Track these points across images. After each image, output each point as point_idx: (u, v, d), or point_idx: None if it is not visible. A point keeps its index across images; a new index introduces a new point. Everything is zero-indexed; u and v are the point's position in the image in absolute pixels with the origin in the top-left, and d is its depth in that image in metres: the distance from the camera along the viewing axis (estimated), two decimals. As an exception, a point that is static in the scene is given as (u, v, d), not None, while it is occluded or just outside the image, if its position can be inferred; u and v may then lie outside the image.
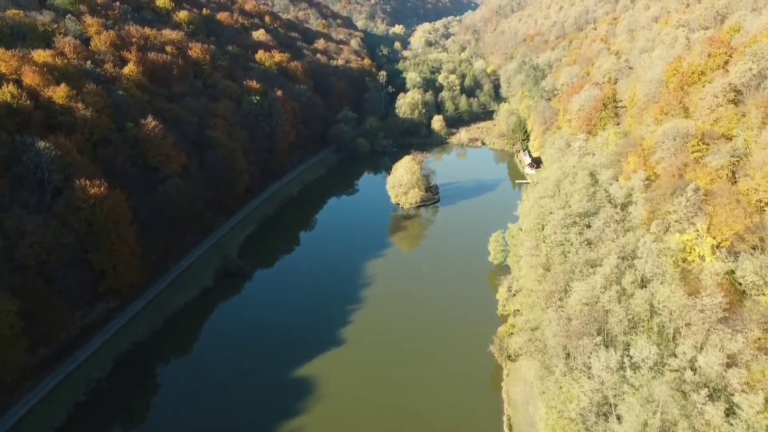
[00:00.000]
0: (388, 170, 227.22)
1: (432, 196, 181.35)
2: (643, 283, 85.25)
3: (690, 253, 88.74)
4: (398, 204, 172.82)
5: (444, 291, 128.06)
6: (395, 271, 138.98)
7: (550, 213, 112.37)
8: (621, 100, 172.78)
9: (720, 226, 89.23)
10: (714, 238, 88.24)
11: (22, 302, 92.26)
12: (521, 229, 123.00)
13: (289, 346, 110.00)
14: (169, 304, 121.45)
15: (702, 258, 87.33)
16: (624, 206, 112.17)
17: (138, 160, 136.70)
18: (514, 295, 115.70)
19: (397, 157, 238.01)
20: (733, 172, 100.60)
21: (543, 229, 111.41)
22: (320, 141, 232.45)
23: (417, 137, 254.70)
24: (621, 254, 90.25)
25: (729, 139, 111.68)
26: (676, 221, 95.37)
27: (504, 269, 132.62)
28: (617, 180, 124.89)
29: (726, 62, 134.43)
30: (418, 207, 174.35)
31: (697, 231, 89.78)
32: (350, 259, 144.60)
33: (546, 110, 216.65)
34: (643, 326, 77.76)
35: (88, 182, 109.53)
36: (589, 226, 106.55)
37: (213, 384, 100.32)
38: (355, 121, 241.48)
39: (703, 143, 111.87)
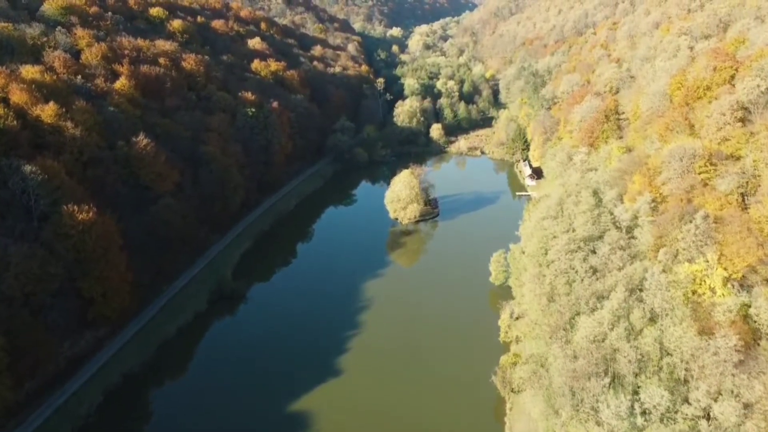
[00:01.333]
0: (387, 180, 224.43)
1: (431, 210, 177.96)
2: (652, 318, 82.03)
3: (700, 285, 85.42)
4: (397, 219, 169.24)
5: (444, 313, 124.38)
6: (394, 291, 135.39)
7: (554, 237, 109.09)
8: (623, 113, 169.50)
9: (731, 256, 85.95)
10: (725, 269, 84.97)
11: (8, 336, 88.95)
12: (523, 252, 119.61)
13: (283, 373, 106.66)
14: (161, 331, 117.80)
15: (713, 291, 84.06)
16: (629, 229, 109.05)
17: (129, 180, 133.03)
18: (517, 319, 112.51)
19: (395, 167, 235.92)
20: (743, 197, 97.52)
21: (546, 253, 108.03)
22: (317, 151, 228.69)
23: (415, 146, 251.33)
24: (628, 286, 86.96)
25: (737, 159, 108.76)
26: (684, 249, 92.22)
27: (506, 290, 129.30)
28: (622, 200, 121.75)
29: (732, 77, 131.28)
30: (417, 222, 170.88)
31: (707, 261, 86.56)
32: (348, 277, 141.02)
33: (546, 119, 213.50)
34: (653, 368, 74.40)
35: (76, 207, 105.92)
36: (594, 252, 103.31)
37: (207, 413, 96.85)
38: (352, 130, 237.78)
39: (711, 164, 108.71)
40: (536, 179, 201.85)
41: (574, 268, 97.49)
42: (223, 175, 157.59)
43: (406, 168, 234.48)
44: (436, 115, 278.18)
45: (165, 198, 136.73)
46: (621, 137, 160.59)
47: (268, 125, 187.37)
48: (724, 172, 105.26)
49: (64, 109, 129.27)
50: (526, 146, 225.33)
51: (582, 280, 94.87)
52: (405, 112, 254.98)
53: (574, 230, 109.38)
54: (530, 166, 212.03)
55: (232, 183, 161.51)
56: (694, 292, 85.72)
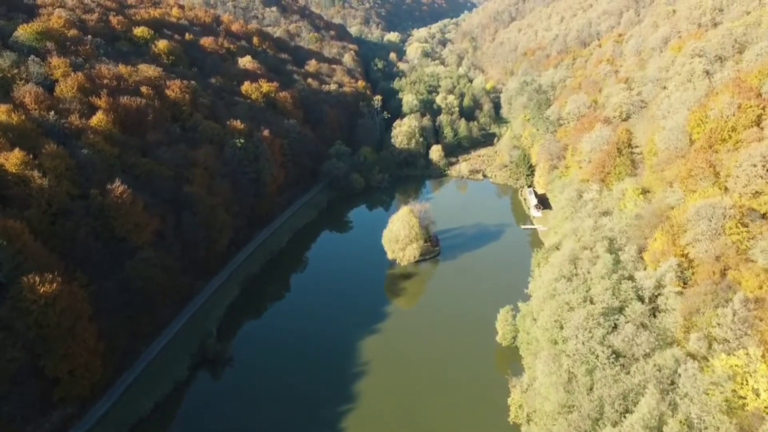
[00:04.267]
0: (386, 207, 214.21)
1: (431, 248, 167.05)
2: (690, 428, 71.46)
3: (741, 385, 74.89)
4: (395, 259, 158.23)
5: (447, 380, 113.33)
6: (392, 351, 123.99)
7: (570, 309, 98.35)
8: (637, 146, 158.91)
9: (777, 351, 75.53)
10: (770, 367, 74.48)
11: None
12: (535, 320, 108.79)
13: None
14: (136, 406, 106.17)
15: (756, 393, 73.54)
16: (653, 299, 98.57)
17: (103, 233, 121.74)
18: (527, 390, 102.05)
19: (393, 191, 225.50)
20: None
21: (562, 328, 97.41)
22: (311, 176, 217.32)
23: (414, 169, 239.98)
24: (659, 385, 76.34)
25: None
26: (720, 335, 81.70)
27: (514, 350, 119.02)
28: (641, 257, 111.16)
29: (759, 117, 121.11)
30: (417, 262, 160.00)
31: (749, 356, 76.01)
32: (341, 335, 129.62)
33: (552, 145, 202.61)
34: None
35: (37, 279, 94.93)
36: (615, 327, 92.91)
37: None
38: (348, 154, 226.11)
39: (742, 225, 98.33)
40: (542, 209, 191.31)
41: (594, 353, 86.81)
42: (208, 217, 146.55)
43: (405, 193, 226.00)
44: (436, 133, 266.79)
45: (143, 250, 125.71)
46: (635, 174, 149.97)
47: (259, 156, 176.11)
48: (759, 235, 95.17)
49: (31, 156, 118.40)
50: (531, 171, 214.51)
51: (603, 367, 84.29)
52: (403, 132, 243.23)
53: (591, 300, 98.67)
54: (535, 194, 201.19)
55: (219, 224, 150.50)
56: (734, 392, 75.32)
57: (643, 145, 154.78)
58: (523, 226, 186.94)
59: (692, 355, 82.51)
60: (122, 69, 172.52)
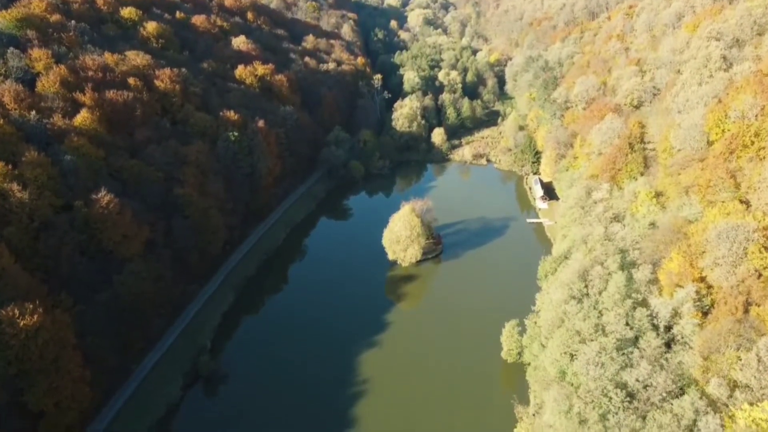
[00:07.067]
0: (386, 193, 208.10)
1: (434, 246, 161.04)
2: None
3: (767, 442, 70.19)
4: (396, 260, 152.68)
5: (452, 397, 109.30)
6: (393, 363, 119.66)
7: (581, 340, 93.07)
8: (650, 142, 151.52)
9: (806, 405, 70.55)
10: (798, 424, 69.61)
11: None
12: (543, 346, 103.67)
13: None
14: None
15: (783, 452, 68.89)
16: (668, 327, 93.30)
17: (89, 247, 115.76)
18: (533, 423, 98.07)
19: (394, 176, 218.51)
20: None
21: (572, 359, 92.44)
22: (309, 163, 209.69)
23: (416, 153, 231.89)
24: (679, 438, 71.73)
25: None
26: (742, 381, 76.63)
27: (519, 366, 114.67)
28: (656, 274, 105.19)
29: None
30: (419, 261, 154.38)
31: (775, 409, 71.07)
32: (342, 343, 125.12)
33: (559, 132, 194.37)
34: None
35: (17, 311, 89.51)
36: (629, 359, 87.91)
37: None
38: (347, 141, 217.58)
39: (766, 249, 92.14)
40: (548, 200, 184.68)
41: (607, 394, 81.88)
42: (201, 220, 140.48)
43: (406, 178, 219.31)
44: (438, 113, 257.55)
45: (132, 262, 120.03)
46: (648, 174, 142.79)
47: (254, 149, 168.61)
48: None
49: (10, 166, 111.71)
50: (537, 158, 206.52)
51: (617, 411, 79.54)
52: (404, 115, 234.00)
53: (603, 330, 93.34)
54: (541, 183, 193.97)
55: (212, 227, 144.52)
56: (758, 447, 70.66)
57: (657, 141, 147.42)
58: (528, 220, 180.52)
59: (712, 402, 77.58)
60: (108, 58, 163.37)
